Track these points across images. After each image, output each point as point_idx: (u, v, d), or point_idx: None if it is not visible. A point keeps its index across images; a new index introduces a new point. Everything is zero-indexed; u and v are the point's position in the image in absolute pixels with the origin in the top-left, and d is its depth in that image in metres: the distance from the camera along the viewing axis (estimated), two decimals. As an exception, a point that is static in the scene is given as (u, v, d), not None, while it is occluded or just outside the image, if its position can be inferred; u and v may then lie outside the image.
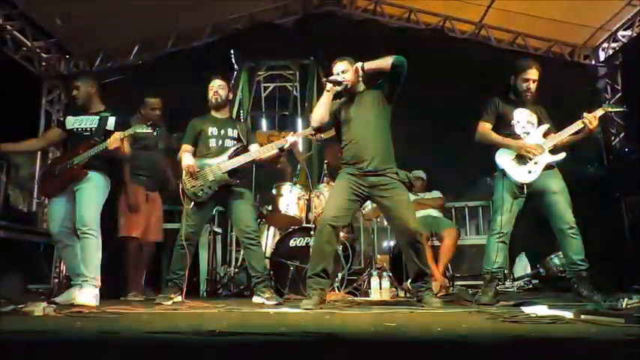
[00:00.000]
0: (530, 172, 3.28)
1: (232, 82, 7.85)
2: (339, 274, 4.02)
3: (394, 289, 4.20)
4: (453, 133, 5.10)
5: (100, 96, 3.60)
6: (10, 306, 2.54)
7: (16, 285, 4.03)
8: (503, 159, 3.34)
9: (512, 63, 3.56)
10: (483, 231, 5.94)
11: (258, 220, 4.54)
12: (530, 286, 4.92)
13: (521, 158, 3.29)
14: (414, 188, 4.82)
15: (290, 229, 4.27)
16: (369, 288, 4.02)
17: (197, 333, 1.71)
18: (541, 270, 4.85)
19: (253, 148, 3.73)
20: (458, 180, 6.19)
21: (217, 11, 6.11)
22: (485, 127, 3.43)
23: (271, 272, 4.07)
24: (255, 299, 3.57)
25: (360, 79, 3.25)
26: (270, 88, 9.20)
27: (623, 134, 5.92)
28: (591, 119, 3.29)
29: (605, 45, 6.07)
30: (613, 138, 5.98)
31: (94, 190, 3.35)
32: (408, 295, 4.06)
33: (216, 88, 3.76)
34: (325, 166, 4.79)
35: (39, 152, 5.78)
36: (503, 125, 3.42)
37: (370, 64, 3.18)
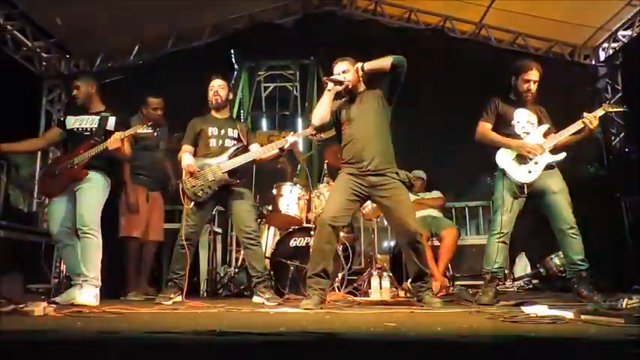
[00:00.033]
0: (530, 171, 3.28)
1: (232, 82, 7.87)
2: (340, 274, 4.02)
3: (394, 289, 4.20)
4: (453, 133, 5.11)
5: (100, 96, 3.60)
6: (10, 306, 2.54)
7: (16, 285, 4.03)
8: (504, 159, 3.34)
9: (512, 63, 3.57)
10: (483, 231, 5.95)
11: (259, 220, 4.54)
12: (531, 286, 4.92)
13: (522, 158, 3.29)
14: (414, 188, 4.82)
15: (290, 229, 4.27)
16: (369, 288, 4.02)
17: (197, 333, 1.71)
18: (541, 270, 4.85)
19: (254, 148, 3.73)
20: (458, 180, 6.19)
21: (217, 11, 6.11)
22: (485, 127, 3.43)
23: (271, 272, 4.07)
24: (256, 299, 3.58)
25: (361, 79, 3.26)
26: (271, 88, 9.21)
27: (623, 134, 5.92)
28: (591, 119, 3.29)
29: (606, 45, 6.07)
30: (613, 138, 5.99)
31: (94, 190, 3.35)
32: (408, 295, 4.06)
33: (217, 87, 3.76)
34: (325, 166, 4.79)
35: (39, 152, 5.79)
36: (504, 125, 3.42)
37: (370, 64, 3.19)
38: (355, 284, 4.28)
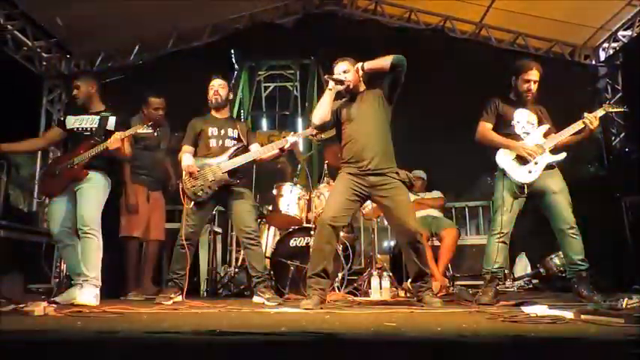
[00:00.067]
0: (530, 171, 3.28)
1: (232, 82, 7.87)
2: (340, 274, 4.02)
3: (394, 289, 4.20)
4: (453, 133, 5.10)
5: (100, 96, 3.60)
6: (10, 306, 2.55)
7: (16, 285, 4.03)
8: (504, 159, 3.34)
9: (512, 63, 3.56)
10: (484, 231, 5.95)
11: (259, 220, 4.54)
12: (531, 286, 4.92)
13: (522, 158, 3.29)
14: (414, 188, 4.82)
15: (290, 229, 4.27)
16: (370, 288, 4.02)
17: (197, 333, 1.71)
18: (541, 270, 4.85)
19: (254, 148, 3.73)
20: (458, 180, 6.19)
21: (217, 11, 6.11)
22: (485, 127, 3.43)
23: (271, 272, 4.08)
24: (256, 299, 3.58)
25: (361, 79, 3.27)
26: (271, 88, 9.22)
27: (623, 134, 5.92)
28: (592, 119, 3.29)
29: (606, 45, 6.07)
30: (613, 138, 5.98)
31: (94, 190, 3.35)
32: (408, 295, 4.06)
33: (217, 87, 3.76)
34: (325, 166, 4.79)
35: (39, 152, 5.79)
36: (504, 125, 3.42)
37: (370, 64, 3.20)
38: (355, 284, 4.28)
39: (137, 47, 6.21)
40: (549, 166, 3.32)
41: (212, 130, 3.71)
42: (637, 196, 4.29)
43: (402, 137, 3.36)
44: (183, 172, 3.61)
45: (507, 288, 4.79)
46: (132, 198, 4.18)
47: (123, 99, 4.52)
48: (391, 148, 3.26)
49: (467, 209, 6.31)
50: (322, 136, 3.69)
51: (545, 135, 3.38)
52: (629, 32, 5.78)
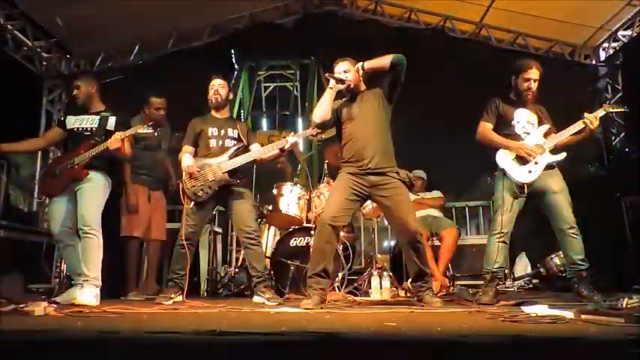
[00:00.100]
0: (530, 171, 3.28)
1: (232, 82, 7.87)
2: (340, 274, 4.02)
3: (394, 289, 4.20)
4: (453, 133, 5.11)
5: (100, 96, 3.60)
6: (10, 306, 2.54)
7: (16, 285, 4.03)
8: (504, 159, 3.34)
9: (512, 63, 3.57)
10: (484, 231, 5.95)
11: (259, 219, 4.55)
12: (531, 286, 4.92)
13: (522, 158, 3.29)
14: (414, 188, 4.82)
15: (290, 229, 4.27)
16: (370, 288, 4.03)
17: (197, 333, 1.71)
18: (541, 270, 4.85)
19: (254, 148, 3.73)
20: (458, 180, 6.19)
21: (217, 11, 6.11)
22: (485, 127, 3.43)
23: (272, 272, 4.08)
24: (256, 299, 3.58)
25: (361, 78, 3.28)
26: (271, 88, 9.23)
27: (623, 134, 5.92)
28: (592, 119, 3.29)
29: (606, 45, 6.07)
30: (613, 138, 5.98)
31: (95, 190, 3.35)
32: (408, 294, 4.06)
33: (217, 87, 3.76)
34: (325, 166, 4.80)
35: (39, 152, 5.79)
36: (504, 125, 3.42)
37: (370, 63, 3.21)
38: (355, 284, 4.28)
39: (137, 47, 6.21)
40: (549, 166, 3.32)
41: (212, 131, 3.71)
42: (637, 196, 4.29)
43: (402, 137, 3.36)
44: (184, 173, 3.61)
45: (507, 288, 4.79)
46: (132, 198, 4.18)
47: (123, 99, 4.52)
48: (391, 148, 3.26)
49: (467, 209, 6.31)
50: (322, 136, 3.69)
51: (546, 135, 3.38)
52: (629, 32, 5.78)
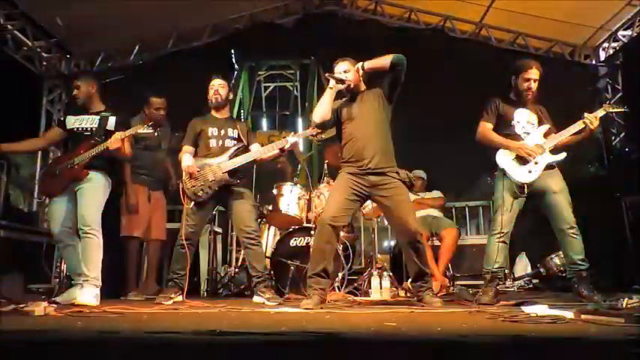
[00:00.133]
0: (530, 171, 3.28)
1: (232, 82, 7.87)
2: (340, 274, 4.02)
3: (394, 289, 4.20)
4: (453, 133, 5.11)
5: (100, 96, 3.60)
6: (10, 306, 2.54)
7: (16, 285, 4.03)
8: (504, 159, 3.34)
9: (512, 63, 3.57)
10: (484, 231, 5.95)
11: (259, 219, 4.55)
12: (531, 286, 4.92)
13: (522, 158, 3.29)
14: (414, 188, 4.82)
15: (290, 229, 4.27)
16: (370, 288, 4.03)
17: (197, 333, 1.71)
18: (541, 270, 4.85)
19: (254, 148, 3.73)
20: (458, 180, 6.19)
21: (217, 11, 6.11)
22: (485, 128, 3.43)
23: (272, 272, 4.08)
24: (256, 299, 3.58)
25: (361, 78, 3.28)
26: (271, 88, 9.23)
27: (623, 134, 5.92)
28: (592, 119, 3.29)
29: (606, 45, 6.07)
30: (613, 138, 5.98)
31: (95, 190, 3.35)
32: (408, 294, 4.06)
33: (217, 86, 3.76)
34: (325, 166, 4.80)
35: (39, 152, 5.79)
36: (504, 125, 3.42)
37: (370, 63, 3.21)
38: (355, 284, 4.28)
39: (137, 47, 6.21)
40: (549, 166, 3.32)
41: (212, 131, 3.71)
42: (637, 196, 4.29)
43: (402, 137, 3.36)
44: (183, 173, 3.61)
45: (507, 288, 4.79)
46: (132, 198, 4.18)
47: (123, 99, 4.52)
48: (391, 148, 3.26)
49: (467, 209, 6.31)
50: (322, 136, 3.69)
51: (546, 135, 3.38)
52: (629, 32, 5.78)
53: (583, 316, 2.04)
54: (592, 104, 5.01)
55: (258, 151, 3.67)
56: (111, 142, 3.28)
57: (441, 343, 1.56)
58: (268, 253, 4.33)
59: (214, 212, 4.69)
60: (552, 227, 3.32)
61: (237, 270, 4.95)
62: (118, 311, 2.58)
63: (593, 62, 6.22)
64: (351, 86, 3.24)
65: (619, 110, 3.72)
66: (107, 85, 4.72)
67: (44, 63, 6.15)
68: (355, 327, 2.03)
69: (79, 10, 5.24)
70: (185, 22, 6.07)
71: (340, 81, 3.20)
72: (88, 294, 3.16)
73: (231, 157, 3.61)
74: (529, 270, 5.18)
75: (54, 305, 2.55)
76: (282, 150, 3.66)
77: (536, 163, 3.28)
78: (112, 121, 3.46)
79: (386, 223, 4.75)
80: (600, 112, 3.35)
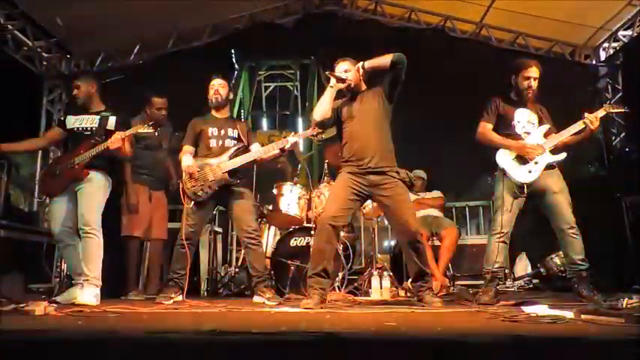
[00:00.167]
0: (530, 171, 3.28)
1: (233, 81, 7.87)
2: (340, 274, 4.02)
3: (395, 289, 4.20)
4: (453, 133, 5.11)
5: (100, 95, 3.60)
6: (10, 305, 2.55)
7: (16, 284, 4.03)
8: (504, 159, 3.34)
9: (512, 63, 3.56)
10: (484, 230, 5.95)
11: (259, 219, 4.55)
12: (531, 286, 4.92)
13: (522, 158, 3.29)
14: (414, 188, 4.81)
15: (290, 229, 4.27)
16: (370, 287, 4.02)
17: (197, 333, 1.71)
18: (541, 270, 4.85)
19: (254, 147, 3.74)
20: (458, 180, 6.20)
21: (217, 11, 6.11)
22: (486, 128, 3.43)
23: (272, 272, 4.08)
24: (256, 299, 3.58)
25: (362, 78, 3.28)
26: (271, 88, 9.23)
27: (623, 134, 5.91)
28: (592, 120, 3.29)
29: (606, 45, 6.07)
30: (613, 138, 5.98)
31: (95, 190, 3.35)
32: (408, 294, 4.06)
33: (217, 86, 3.76)
34: (326, 165, 4.80)
35: (39, 152, 5.79)
36: (504, 125, 3.42)
37: (370, 63, 3.21)
38: (355, 284, 4.28)
39: (137, 47, 6.21)
40: (549, 166, 3.32)
41: (212, 130, 3.71)
42: (637, 196, 4.29)
43: (402, 137, 3.36)
44: (184, 172, 3.61)
45: (508, 288, 4.79)
46: (133, 197, 4.18)
47: (123, 99, 4.52)
48: (391, 147, 3.26)
49: (467, 209, 6.31)
50: (323, 136, 3.70)
51: (546, 135, 3.38)
52: (629, 32, 5.78)
53: (583, 316, 2.04)
54: (592, 104, 5.01)
55: (258, 151, 3.67)
56: (111, 141, 3.28)
57: (441, 343, 1.56)
58: (268, 253, 4.33)
59: (214, 212, 4.69)
60: (552, 227, 3.32)
61: (237, 270, 4.94)
62: (118, 311, 2.58)
63: (594, 62, 6.22)
64: (352, 86, 3.25)
65: (619, 110, 3.71)
66: (107, 85, 4.72)
67: (44, 63, 6.15)
68: (355, 327, 2.03)
69: (79, 10, 5.24)
70: (185, 22, 6.07)
71: (341, 80, 3.21)
72: (88, 294, 3.16)
73: (231, 157, 3.61)
74: (529, 270, 5.18)
75: (54, 305, 2.55)
76: (282, 150, 3.66)
77: (536, 163, 3.28)
78: (112, 120, 3.46)
79: (386, 222, 4.75)
80: (600, 113, 3.35)
